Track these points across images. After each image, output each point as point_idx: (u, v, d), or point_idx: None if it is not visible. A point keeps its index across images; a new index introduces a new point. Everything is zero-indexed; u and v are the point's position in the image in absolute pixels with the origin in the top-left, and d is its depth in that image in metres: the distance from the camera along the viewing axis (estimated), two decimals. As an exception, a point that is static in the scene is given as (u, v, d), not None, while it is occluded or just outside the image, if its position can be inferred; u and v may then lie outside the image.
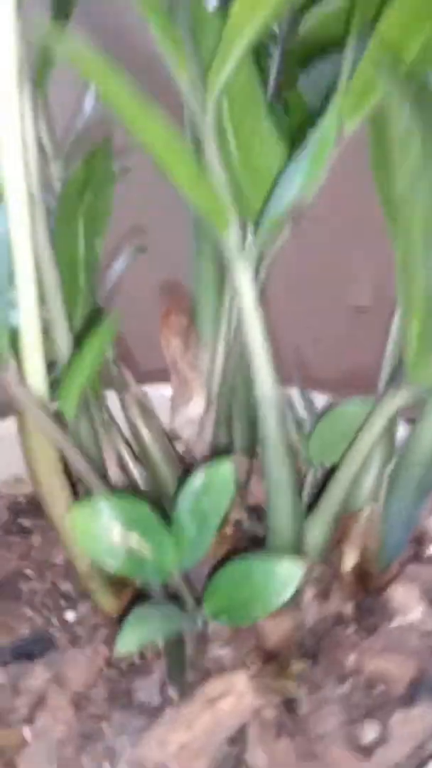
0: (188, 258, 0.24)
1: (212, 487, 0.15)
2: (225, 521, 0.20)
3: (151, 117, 0.12)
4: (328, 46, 0.17)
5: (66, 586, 0.23)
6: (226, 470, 0.15)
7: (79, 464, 0.16)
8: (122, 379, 0.24)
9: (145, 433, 0.24)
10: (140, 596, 0.21)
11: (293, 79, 0.17)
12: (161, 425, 0.25)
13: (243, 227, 0.15)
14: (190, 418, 0.25)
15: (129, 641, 0.14)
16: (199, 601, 0.16)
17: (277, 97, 0.18)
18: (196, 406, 0.25)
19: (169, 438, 0.25)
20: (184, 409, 0.25)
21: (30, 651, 0.20)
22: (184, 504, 0.15)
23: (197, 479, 0.15)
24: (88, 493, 0.17)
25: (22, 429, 0.16)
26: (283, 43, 0.18)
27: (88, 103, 0.20)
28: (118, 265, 0.25)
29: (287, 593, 0.14)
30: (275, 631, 0.17)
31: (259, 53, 0.17)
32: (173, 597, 0.17)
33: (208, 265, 0.24)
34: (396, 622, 0.21)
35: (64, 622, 0.22)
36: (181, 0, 0.13)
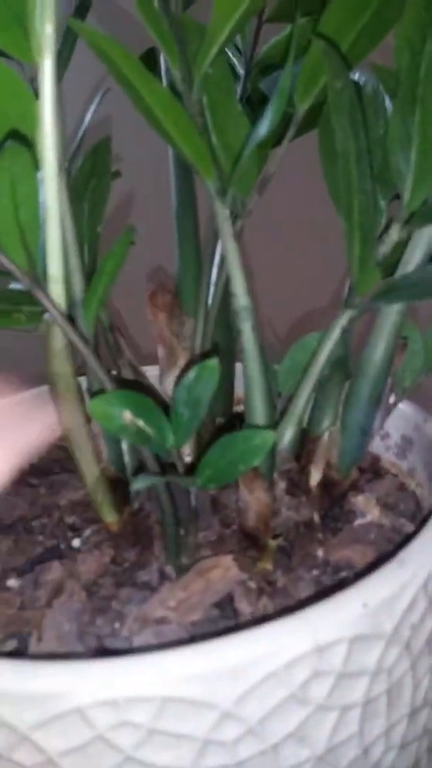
0: (172, 248, 0.29)
1: (201, 378, 0.19)
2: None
3: (154, 85, 0.16)
4: (279, 60, 0.23)
5: (71, 520, 0.27)
6: (212, 364, 0.19)
7: (93, 363, 0.20)
8: (117, 346, 0.28)
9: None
10: (136, 513, 0.25)
11: (256, 83, 0.23)
12: (152, 384, 0.29)
13: (221, 180, 0.20)
14: (177, 378, 0.29)
15: (143, 482, 0.17)
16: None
17: (244, 98, 0.23)
18: (180, 366, 0.29)
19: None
20: (173, 370, 0.30)
21: (45, 560, 0.23)
22: (180, 394, 0.19)
23: (190, 374, 0.19)
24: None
25: (47, 354, 0.20)
26: (247, 59, 0.23)
27: (90, 109, 0.25)
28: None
29: (263, 453, 0.18)
30: (254, 506, 0.21)
31: (231, 69, 0.23)
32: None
33: (188, 252, 0.29)
34: (357, 522, 0.24)
35: (70, 547, 0.25)
36: (170, 8, 0.18)
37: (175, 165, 0.27)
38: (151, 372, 0.30)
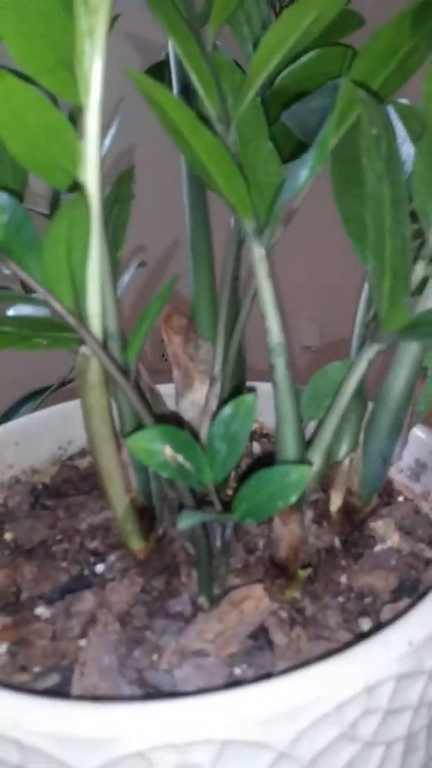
0: (187, 273, 0.29)
1: (238, 414, 0.19)
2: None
3: (205, 135, 0.17)
4: (299, 93, 0.23)
5: (93, 545, 0.27)
6: (249, 399, 0.19)
7: (134, 400, 0.20)
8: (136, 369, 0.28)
9: (157, 411, 0.28)
10: (161, 540, 0.25)
11: (273, 110, 0.23)
12: (167, 407, 0.29)
13: (257, 221, 0.20)
14: (194, 401, 0.30)
15: (187, 521, 0.18)
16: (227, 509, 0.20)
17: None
18: (197, 391, 0.30)
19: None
20: (188, 393, 0.30)
21: (73, 589, 0.24)
22: (217, 430, 0.20)
23: (226, 409, 0.20)
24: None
25: (82, 383, 0.21)
26: (264, 91, 0.24)
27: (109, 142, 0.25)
28: (126, 276, 0.30)
29: (300, 489, 0.19)
30: (287, 539, 0.21)
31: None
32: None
33: (203, 276, 0.29)
34: (378, 548, 0.25)
35: (94, 573, 0.25)
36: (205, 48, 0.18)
37: (188, 189, 0.27)
38: (164, 390, 0.30)
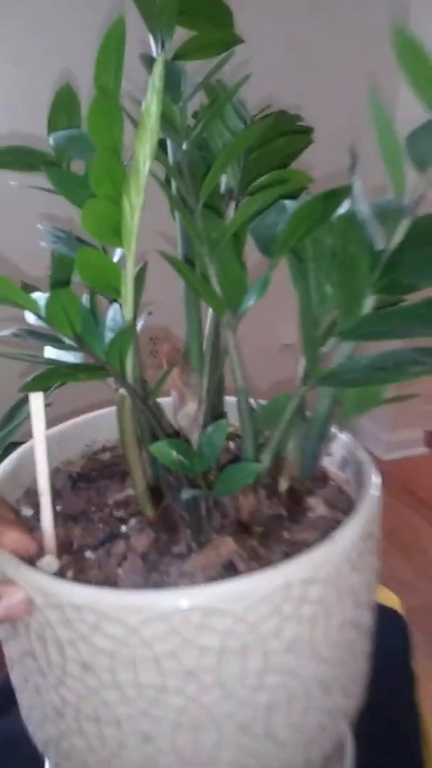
0: (183, 322, 0.41)
1: (216, 431, 0.32)
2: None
3: (195, 277, 0.29)
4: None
5: (118, 513, 0.39)
6: (223, 423, 0.32)
7: (152, 421, 0.32)
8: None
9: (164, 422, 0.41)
10: (166, 510, 0.38)
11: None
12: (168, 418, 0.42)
13: (228, 314, 0.32)
14: (186, 414, 0.42)
15: (186, 494, 0.30)
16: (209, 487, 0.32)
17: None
18: (190, 407, 0.42)
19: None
20: (182, 409, 0.42)
21: (108, 541, 0.36)
22: (202, 440, 0.32)
23: (209, 428, 0.32)
24: (155, 439, 0.34)
25: (120, 412, 0.33)
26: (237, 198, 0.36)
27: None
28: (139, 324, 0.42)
29: (254, 476, 0.31)
30: (246, 505, 0.34)
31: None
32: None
33: (193, 328, 0.41)
34: (310, 515, 0.38)
35: (121, 532, 0.38)
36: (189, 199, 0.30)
37: (186, 286, 0.39)
38: (165, 402, 0.43)
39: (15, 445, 1.27)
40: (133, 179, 0.27)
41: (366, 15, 1.69)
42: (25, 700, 0.35)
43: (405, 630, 0.53)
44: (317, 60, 1.72)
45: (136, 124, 0.28)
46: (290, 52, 1.68)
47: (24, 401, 1.16)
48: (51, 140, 0.31)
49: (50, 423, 0.41)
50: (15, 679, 0.36)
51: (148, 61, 0.34)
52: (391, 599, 0.60)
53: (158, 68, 0.24)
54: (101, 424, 0.47)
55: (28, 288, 0.32)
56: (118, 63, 0.27)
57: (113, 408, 0.48)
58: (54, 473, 0.44)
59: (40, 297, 0.29)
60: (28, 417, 1.10)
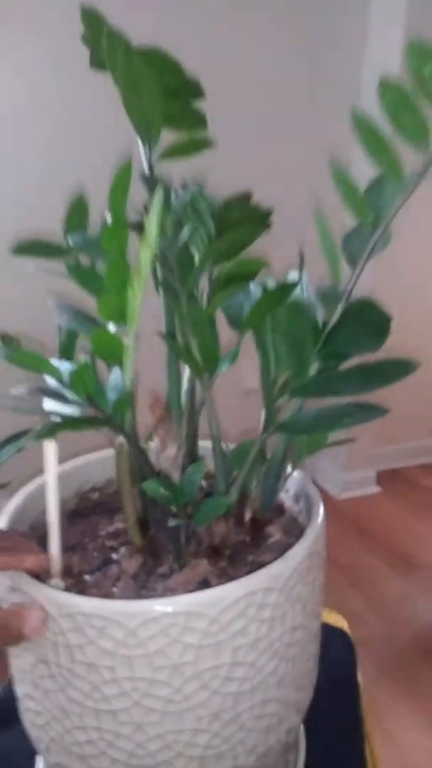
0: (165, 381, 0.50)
1: (195, 471, 0.40)
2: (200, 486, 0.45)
3: (180, 348, 0.37)
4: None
5: (110, 543, 0.46)
6: (200, 465, 0.40)
7: (143, 463, 0.40)
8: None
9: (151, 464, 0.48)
10: (152, 538, 0.45)
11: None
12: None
13: (206, 377, 0.41)
14: (168, 457, 0.50)
15: (173, 522, 0.38)
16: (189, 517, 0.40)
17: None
18: (170, 451, 0.50)
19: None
20: (164, 453, 0.50)
21: (103, 566, 0.43)
22: (184, 478, 0.40)
23: (189, 468, 0.40)
24: (144, 479, 0.41)
25: (118, 455, 0.40)
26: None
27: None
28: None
29: (223, 509, 0.39)
30: (218, 532, 0.42)
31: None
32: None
33: (174, 385, 0.50)
34: (269, 541, 0.46)
35: (113, 558, 0.45)
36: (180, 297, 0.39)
37: (168, 353, 0.48)
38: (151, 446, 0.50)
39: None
40: (137, 277, 0.35)
41: (321, 104, 1.87)
42: (32, 706, 0.41)
43: (351, 646, 0.61)
44: (277, 150, 1.88)
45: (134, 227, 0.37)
46: (247, 142, 1.83)
47: (2, 445, 1.21)
48: (69, 240, 0.40)
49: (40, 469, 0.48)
50: (22, 689, 0.42)
51: (145, 181, 0.43)
52: (339, 621, 0.68)
53: (157, 203, 0.33)
54: (91, 467, 0.54)
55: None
56: (125, 195, 0.36)
57: (100, 453, 0.56)
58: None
59: (61, 365, 0.37)
60: (3, 462, 1.15)
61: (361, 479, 2.21)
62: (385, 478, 2.25)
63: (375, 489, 2.21)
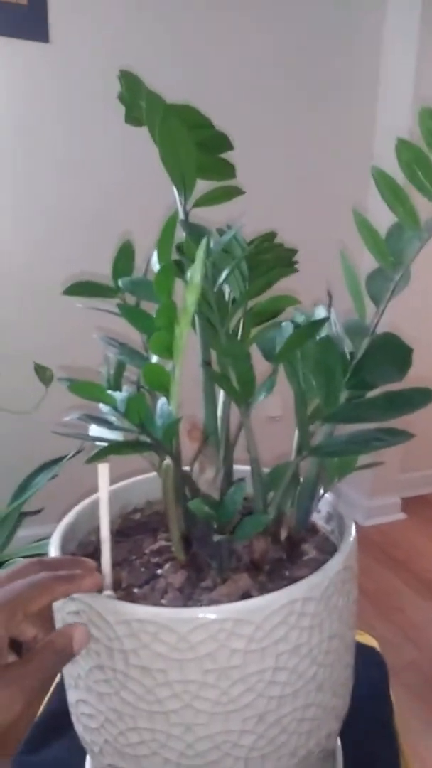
0: (203, 409, 0.54)
1: (236, 491, 0.44)
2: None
3: (221, 379, 0.42)
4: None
5: (155, 560, 0.50)
6: (242, 485, 0.44)
7: (188, 483, 0.44)
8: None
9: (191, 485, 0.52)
10: (195, 554, 0.48)
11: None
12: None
13: (247, 406, 0.45)
14: (206, 480, 0.54)
15: (217, 538, 0.41)
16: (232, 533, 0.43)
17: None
18: (209, 474, 0.54)
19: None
20: (203, 475, 0.54)
21: (150, 581, 0.47)
22: (227, 497, 0.44)
23: (231, 489, 0.44)
24: (188, 499, 0.45)
25: (165, 477, 0.44)
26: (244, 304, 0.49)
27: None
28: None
29: (262, 527, 0.43)
30: (258, 548, 0.45)
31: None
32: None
33: (210, 413, 0.54)
34: (305, 558, 0.49)
35: (158, 573, 0.48)
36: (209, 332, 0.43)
37: (204, 379, 0.52)
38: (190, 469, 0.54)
39: (24, 514, 1.35)
40: (183, 316, 0.40)
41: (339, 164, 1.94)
42: (86, 710, 0.44)
43: (383, 664, 0.63)
44: (308, 193, 1.96)
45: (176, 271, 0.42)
46: (280, 190, 1.92)
47: (33, 476, 1.26)
48: (120, 283, 0.45)
49: (89, 491, 0.52)
50: (76, 695, 0.45)
51: (187, 228, 0.48)
52: (370, 641, 0.70)
53: (201, 254, 0.38)
54: (131, 491, 0.58)
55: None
56: (171, 243, 0.40)
57: (139, 478, 0.60)
58: (97, 531, 0.55)
59: (116, 395, 0.41)
60: (38, 489, 1.20)
61: (386, 506, 2.21)
62: (411, 504, 2.25)
63: (401, 516, 2.21)
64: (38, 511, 1.38)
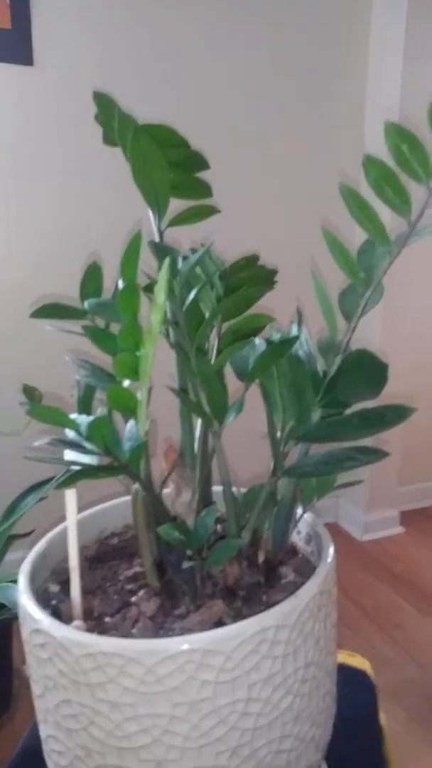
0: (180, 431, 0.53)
1: (207, 515, 0.42)
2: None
3: (190, 400, 0.41)
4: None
5: (129, 586, 0.49)
6: (213, 509, 0.42)
7: (159, 509, 0.43)
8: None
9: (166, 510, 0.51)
10: (169, 581, 0.47)
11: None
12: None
13: (217, 426, 0.44)
14: (183, 503, 0.52)
15: (187, 564, 0.40)
16: (203, 559, 0.42)
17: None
18: (185, 497, 0.52)
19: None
20: (179, 498, 0.53)
21: (122, 608, 0.45)
22: (198, 521, 0.43)
23: (202, 513, 0.43)
24: (159, 524, 0.44)
25: (134, 501, 0.43)
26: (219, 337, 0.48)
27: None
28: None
29: (234, 551, 0.41)
30: (231, 573, 0.44)
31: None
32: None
33: (187, 434, 0.53)
34: (283, 581, 0.48)
35: (131, 600, 0.47)
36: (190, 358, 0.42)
37: (181, 404, 0.51)
38: (166, 492, 0.53)
39: (13, 537, 1.34)
40: (148, 337, 0.39)
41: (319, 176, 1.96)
42: (55, 747, 0.43)
43: (372, 687, 0.61)
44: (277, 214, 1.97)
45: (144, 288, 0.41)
46: (251, 209, 1.93)
47: (21, 498, 1.24)
48: (86, 305, 0.44)
49: (61, 516, 0.51)
50: (46, 730, 0.44)
51: (154, 247, 0.47)
52: (363, 664, 0.68)
53: (164, 272, 0.37)
54: (109, 514, 0.57)
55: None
56: (136, 263, 0.40)
57: (117, 501, 0.58)
58: (72, 555, 0.54)
59: (79, 418, 0.40)
60: (26, 511, 1.18)
61: (384, 520, 2.19)
62: (410, 518, 2.22)
63: (399, 529, 2.19)
64: (28, 534, 1.36)
